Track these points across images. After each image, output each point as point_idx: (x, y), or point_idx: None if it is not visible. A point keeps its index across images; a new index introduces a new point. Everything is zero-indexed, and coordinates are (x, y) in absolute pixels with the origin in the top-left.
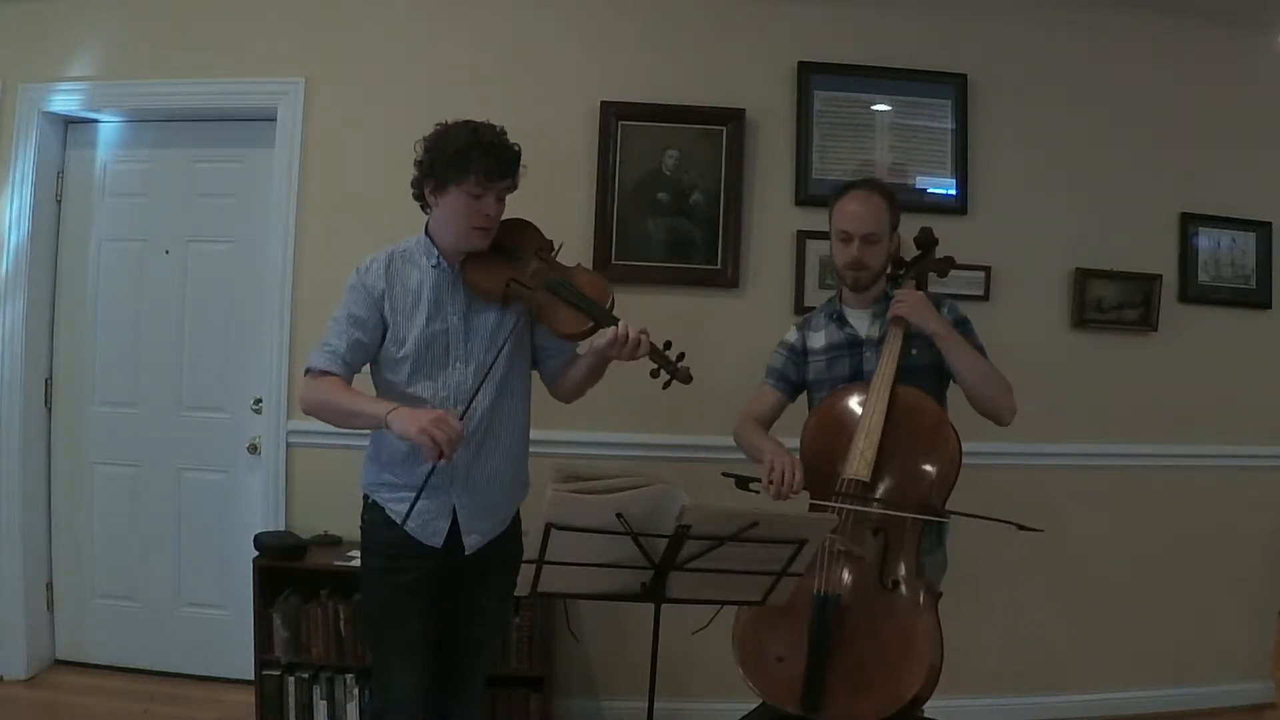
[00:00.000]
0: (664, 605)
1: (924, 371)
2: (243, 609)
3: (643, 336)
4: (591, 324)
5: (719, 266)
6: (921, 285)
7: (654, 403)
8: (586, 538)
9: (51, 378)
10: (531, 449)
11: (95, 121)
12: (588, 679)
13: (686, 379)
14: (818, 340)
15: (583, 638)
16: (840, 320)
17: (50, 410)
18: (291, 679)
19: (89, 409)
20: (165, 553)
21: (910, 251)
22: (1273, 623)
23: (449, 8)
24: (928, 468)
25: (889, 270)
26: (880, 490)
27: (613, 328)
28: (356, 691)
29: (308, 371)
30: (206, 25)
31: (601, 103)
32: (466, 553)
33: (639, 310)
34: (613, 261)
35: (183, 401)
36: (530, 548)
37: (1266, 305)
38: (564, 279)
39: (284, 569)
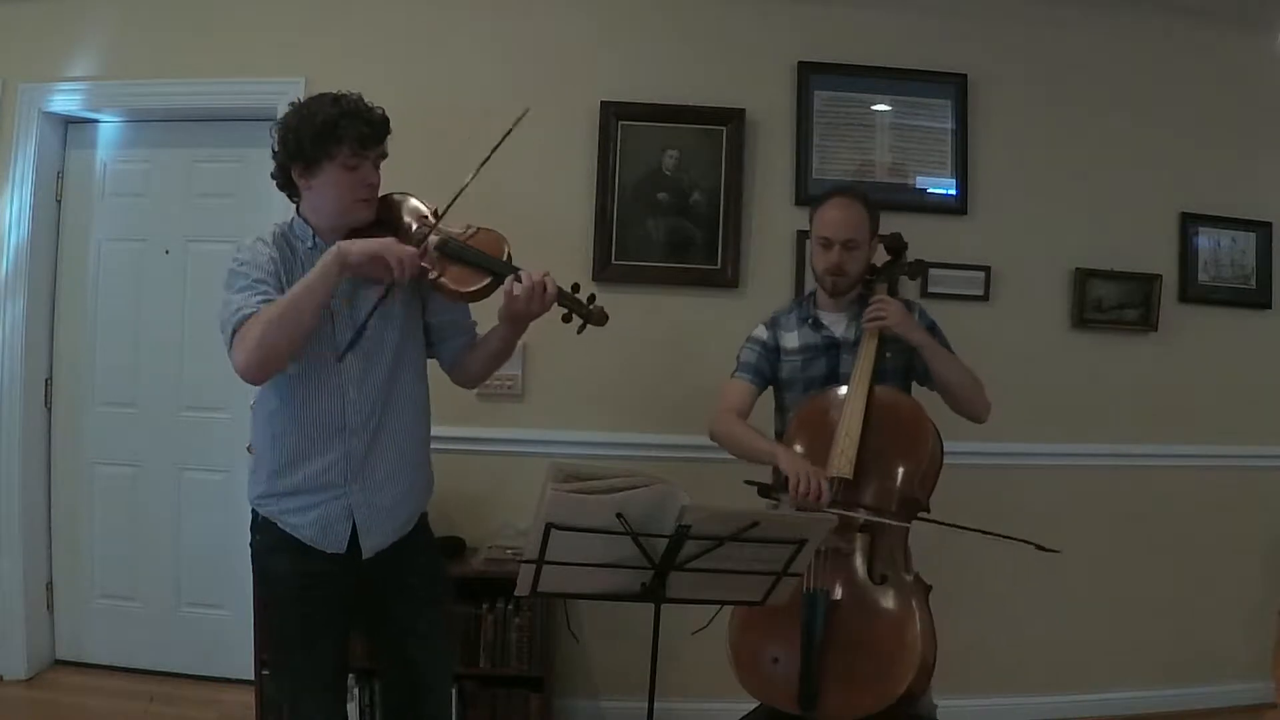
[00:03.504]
0: (664, 605)
1: (894, 374)
2: (243, 609)
3: (547, 280)
4: (489, 279)
5: (719, 266)
6: (893, 289)
7: (654, 403)
8: (586, 538)
9: (51, 378)
10: (531, 449)
11: (95, 121)
12: (588, 679)
13: (601, 320)
14: (790, 341)
15: (583, 638)
16: (815, 324)
17: (50, 410)
18: None
19: (89, 409)
20: (165, 553)
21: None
22: (1273, 623)
23: (448, 8)
24: (910, 464)
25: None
26: (866, 487)
27: (521, 280)
28: (357, 691)
29: (234, 333)
30: (206, 25)
31: (601, 103)
32: (364, 557)
33: (639, 309)
34: (613, 262)
35: (183, 401)
36: (530, 548)
37: (1266, 305)
38: (452, 237)
39: None
